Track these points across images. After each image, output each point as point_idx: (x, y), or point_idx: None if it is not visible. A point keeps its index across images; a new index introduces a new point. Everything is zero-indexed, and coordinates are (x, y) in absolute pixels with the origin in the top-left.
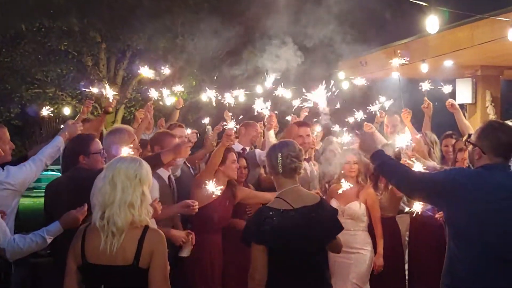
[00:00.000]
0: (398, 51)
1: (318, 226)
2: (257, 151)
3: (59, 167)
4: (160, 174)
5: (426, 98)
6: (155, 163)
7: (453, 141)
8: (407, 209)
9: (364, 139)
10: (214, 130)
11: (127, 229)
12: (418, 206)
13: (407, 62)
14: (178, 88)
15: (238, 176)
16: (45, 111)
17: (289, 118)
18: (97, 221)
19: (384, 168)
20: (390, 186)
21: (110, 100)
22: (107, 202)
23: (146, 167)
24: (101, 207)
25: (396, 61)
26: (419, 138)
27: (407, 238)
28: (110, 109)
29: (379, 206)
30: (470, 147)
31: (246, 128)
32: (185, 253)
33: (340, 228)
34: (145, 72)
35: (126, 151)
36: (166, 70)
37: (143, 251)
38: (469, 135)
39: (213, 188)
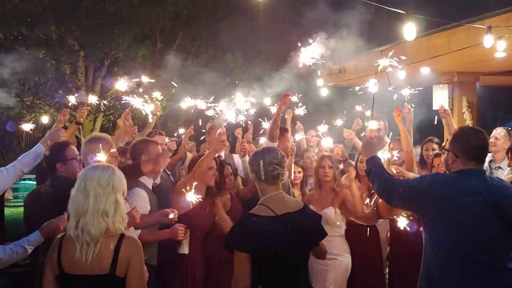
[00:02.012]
0: (390, 53)
1: (302, 232)
2: (235, 156)
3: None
4: (146, 184)
5: (406, 104)
6: (135, 172)
7: (434, 145)
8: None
9: (366, 144)
10: (185, 134)
11: (102, 238)
12: (403, 221)
13: (393, 63)
14: (156, 94)
15: (226, 184)
16: (26, 127)
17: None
18: (72, 230)
19: (371, 173)
20: (373, 200)
21: (82, 111)
22: (81, 211)
23: (119, 174)
24: (75, 217)
25: (384, 62)
26: (407, 137)
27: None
28: (81, 120)
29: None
30: (445, 152)
31: (209, 135)
32: (185, 249)
33: (323, 234)
34: (120, 85)
35: (103, 158)
36: (144, 79)
37: (119, 259)
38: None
39: (193, 197)
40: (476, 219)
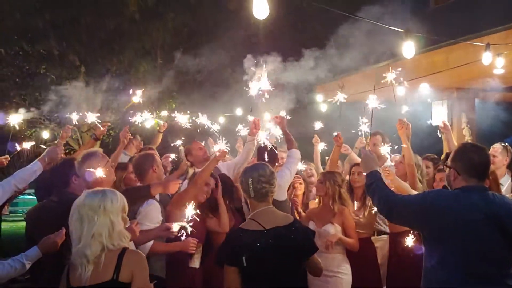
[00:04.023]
0: (390, 68)
1: (290, 247)
2: (220, 165)
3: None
4: (156, 196)
5: (405, 119)
6: (144, 194)
7: (428, 162)
8: (386, 229)
9: (366, 158)
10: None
11: (101, 256)
12: (410, 241)
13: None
14: (164, 113)
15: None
16: (26, 145)
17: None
18: (73, 258)
19: (371, 188)
20: (369, 204)
21: (101, 128)
22: (79, 236)
23: (112, 196)
24: (75, 243)
25: (390, 76)
26: (409, 151)
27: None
28: (101, 137)
29: (355, 229)
30: (447, 169)
31: (191, 154)
32: (196, 263)
33: (314, 249)
34: (136, 98)
35: (100, 173)
36: (138, 93)
37: (122, 269)
38: (447, 157)
39: (191, 212)
40: (478, 236)
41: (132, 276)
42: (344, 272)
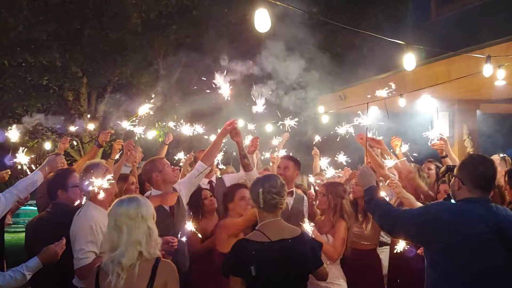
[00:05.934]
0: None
1: (295, 259)
2: (225, 177)
3: None
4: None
5: (393, 137)
6: None
7: (432, 165)
8: (387, 240)
9: (362, 174)
10: (186, 160)
11: (138, 262)
12: (401, 244)
13: (390, 95)
14: (171, 124)
15: (206, 205)
16: (22, 158)
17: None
18: (105, 264)
19: (371, 204)
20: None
21: (105, 134)
22: (116, 246)
23: (145, 202)
24: (110, 252)
25: (381, 93)
26: (406, 163)
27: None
28: (104, 144)
29: (342, 241)
30: (452, 178)
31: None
32: None
33: (319, 263)
34: (142, 110)
35: (99, 183)
36: (146, 106)
37: (156, 278)
38: (449, 167)
39: (190, 226)
40: (482, 249)
41: (166, 285)
42: (337, 283)
